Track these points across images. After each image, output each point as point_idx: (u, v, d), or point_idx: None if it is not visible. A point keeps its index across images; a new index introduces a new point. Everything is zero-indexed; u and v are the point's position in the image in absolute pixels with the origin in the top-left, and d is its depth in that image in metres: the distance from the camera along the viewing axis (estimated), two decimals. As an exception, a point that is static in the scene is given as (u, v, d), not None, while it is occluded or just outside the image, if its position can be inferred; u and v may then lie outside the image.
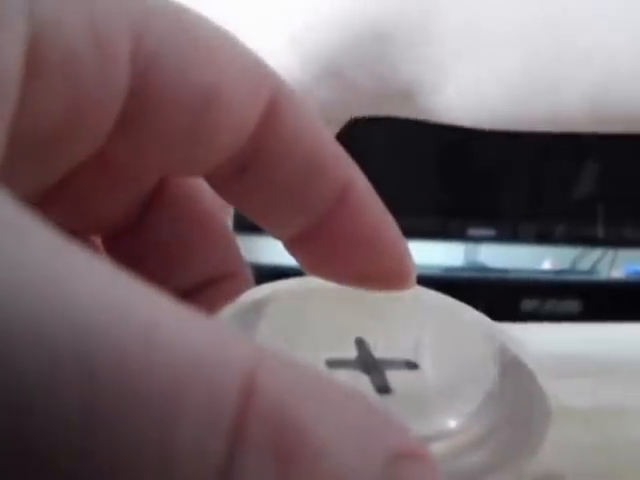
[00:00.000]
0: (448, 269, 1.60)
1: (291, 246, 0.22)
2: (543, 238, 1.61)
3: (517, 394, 0.22)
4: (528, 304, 1.56)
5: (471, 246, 1.64)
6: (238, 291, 0.22)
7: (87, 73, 0.18)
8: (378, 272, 0.22)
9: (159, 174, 0.23)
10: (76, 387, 0.11)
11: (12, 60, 0.16)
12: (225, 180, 0.22)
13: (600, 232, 1.57)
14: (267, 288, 0.23)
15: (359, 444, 0.13)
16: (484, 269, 1.64)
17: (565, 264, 1.68)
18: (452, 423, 0.21)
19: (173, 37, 0.19)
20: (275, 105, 0.21)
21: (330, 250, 0.22)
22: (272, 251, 1.78)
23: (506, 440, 0.22)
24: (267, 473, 0.12)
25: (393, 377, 0.22)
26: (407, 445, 0.14)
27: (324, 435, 0.13)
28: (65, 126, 0.18)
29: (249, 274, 0.24)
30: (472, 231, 1.60)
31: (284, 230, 0.22)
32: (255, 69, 0.21)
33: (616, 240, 1.52)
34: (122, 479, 0.11)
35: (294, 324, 0.23)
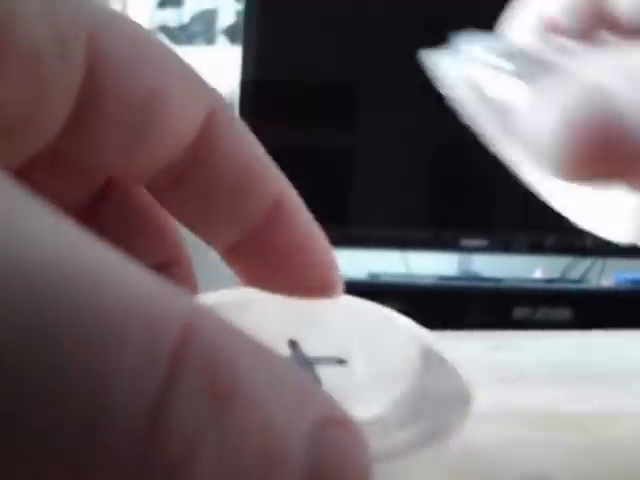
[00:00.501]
0: (442, 278, 1.61)
1: (227, 256, 0.23)
2: (534, 248, 1.62)
3: (438, 384, 0.24)
4: (520, 312, 1.56)
5: (464, 256, 1.65)
6: (180, 278, 0.23)
7: (45, 69, 0.18)
8: (307, 281, 0.23)
9: (104, 174, 0.23)
10: (27, 309, 0.11)
11: None
12: (164, 189, 0.22)
13: (589, 242, 1.58)
14: (206, 299, 0.24)
15: (290, 403, 0.13)
16: (477, 278, 1.65)
17: (556, 273, 1.69)
18: (375, 410, 0.23)
19: (124, 44, 0.20)
20: (213, 119, 0.22)
21: (263, 261, 0.23)
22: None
23: (428, 424, 0.23)
24: (200, 414, 0.12)
25: (323, 372, 0.23)
26: (336, 412, 0.14)
27: (256, 387, 0.13)
28: (21, 119, 0.18)
29: (190, 263, 0.24)
30: (465, 241, 1.60)
31: (220, 240, 0.23)
32: (196, 84, 0.22)
33: (605, 249, 1.53)
34: (60, 404, 0.11)
35: None
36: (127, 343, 0.12)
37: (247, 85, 1.62)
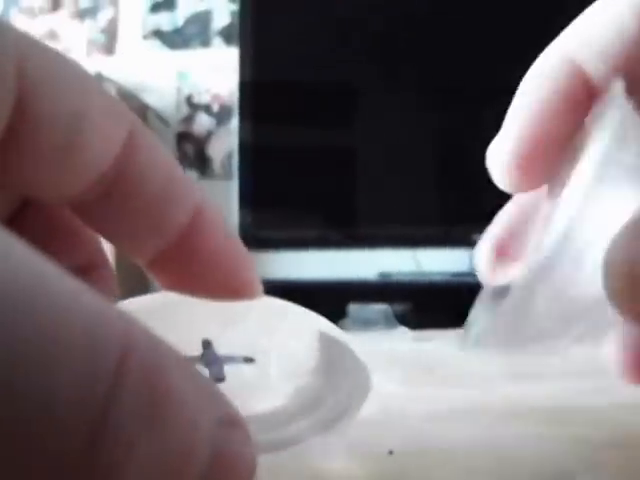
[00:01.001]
0: (455, 274, 1.60)
1: (150, 266, 0.25)
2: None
3: (339, 371, 0.27)
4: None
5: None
6: (101, 283, 0.25)
7: None
8: (226, 286, 0.25)
9: (28, 193, 0.24)
10: None
11: None
12: (87, 207, 0.24)
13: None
14: (132, 304, 0.26)
15: (204, 404, 0.15)
16: (490, 273, 1.64)
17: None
18: (281, 401, 0.26)
19: (50, 69, 0.21)
20: (133, 138, 0.23)
21: (185, 268, 0.25)
22: (280, 266, 1.78)
23: (330, 408, 0.26)
24: (136, 423, 0.14)
25: (231, 370, 0.26)
26: (232, 413, 0.16)
27: (186, 394, 0.15)
28: None
29: (111, 267, 0.26)
30: (476, 237, 1.59)
31: (143, 252, 0.24)
32: (116, 105, 0.23)
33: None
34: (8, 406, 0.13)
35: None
36: (72, 361, 0.13)
37: (247, 86, 1.61)
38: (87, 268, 0.25)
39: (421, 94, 1.62)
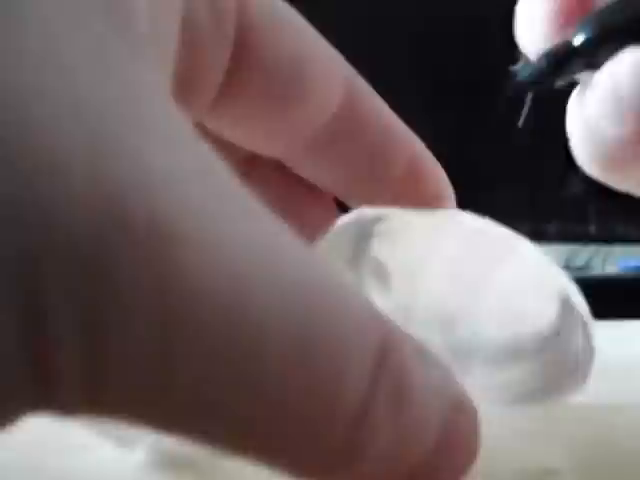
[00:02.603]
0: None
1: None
2: (537, 236, 1.61)
3: (571, 333, 0.25)
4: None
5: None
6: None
7: (202, 37, 0.19)
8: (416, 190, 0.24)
9: (250, 147, 0.23)
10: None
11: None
12: (304, 156, 0.23)
13: (592, 229, 1.58)
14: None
15: (438, 389, 0.16)
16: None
17: (560, 261, 1.68)
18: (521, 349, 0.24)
19: (266, 13, 0.20)
20: (352, 85, 0.22)
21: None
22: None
23: (556, 375, 0.24)
24: (385, 421, 0.15)
25: None
26: (463, 399, 0.17)
27: (424, 378, 0.16)
28: (181, 83, 0.18)
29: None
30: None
31: (356, 199, 0.24)
32: (335, 55, 0.22)
33: (608, 237, 1.53)
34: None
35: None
36: (352, 353, 0.14)
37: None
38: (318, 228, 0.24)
39: (425, 90, 1.62)
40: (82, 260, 0.12)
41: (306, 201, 0.24)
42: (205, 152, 0.14)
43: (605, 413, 0.30)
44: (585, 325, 0.25)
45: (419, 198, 0.24)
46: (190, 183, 0.13)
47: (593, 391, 0.29)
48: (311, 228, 0.24)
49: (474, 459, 0.17)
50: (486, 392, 0.22)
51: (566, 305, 0.25)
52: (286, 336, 0.13)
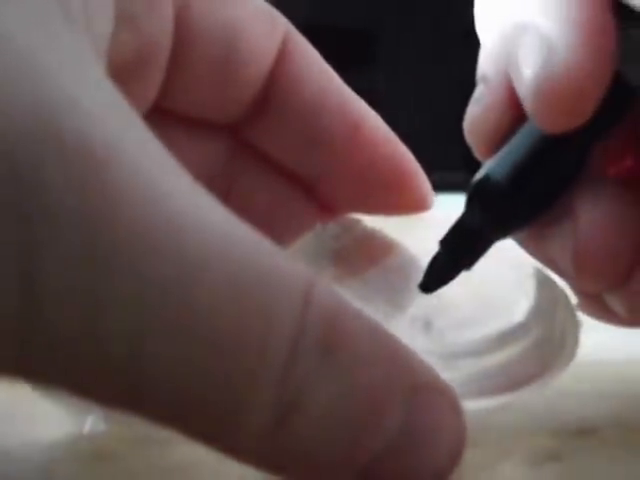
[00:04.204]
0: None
1: (320, 187, 0.24)
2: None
3: (553, 310, 0.24)
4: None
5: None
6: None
7: (142, 17, 0.20)
8: (401, 198, 0.24)
9: (195, 114, 0.23)
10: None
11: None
12: (250, 122, 0.23)
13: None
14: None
15: (388, 366, 0.15)
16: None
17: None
18: (507, 331, 0.23)
19: None
20: (287, 45, 0.22)
21: (353, 186, 0.24)
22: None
23: (545, 352, 0.23)
24: (314, 365, 0.15)
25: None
26: (428, 378, 0.16)
27: (361, 347, 0.15)
28: (134, 63, 0.20)
29: None
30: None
31: (308, 169, 0.24)
32: (270, 11, 0.22)
33: None
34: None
35: None
36: (280, 289, 0.15)
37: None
38: None
39: (441, 40, 1.60)
40: (13, 167, 0.12)
41: (289, 209, 0.25)
42: (132, 110, 0.15)
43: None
44: (566, 298, 0.25)
45: (370, 166, 0.24)
46: (123, 123, 0.14)
47: (630, 348, 0.29)
48: (292, 236, 0.24)
49: (454, 445, 0.16)
50: (469, 383, 0.22)
51: (544, 282, 0.25)
52: (220, 273, 0.14)
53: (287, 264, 0.15)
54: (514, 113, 0.23)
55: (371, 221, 0.25)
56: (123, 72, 0.18)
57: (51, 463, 0.23)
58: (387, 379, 0.15)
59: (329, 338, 0.15)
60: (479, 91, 0.24)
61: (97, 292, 0.13)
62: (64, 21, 0.15)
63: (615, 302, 0.23)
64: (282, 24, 0.23)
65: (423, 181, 0.25)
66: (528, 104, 0.21)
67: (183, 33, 0.21)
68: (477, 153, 0.24)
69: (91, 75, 0.15)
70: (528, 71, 0.20)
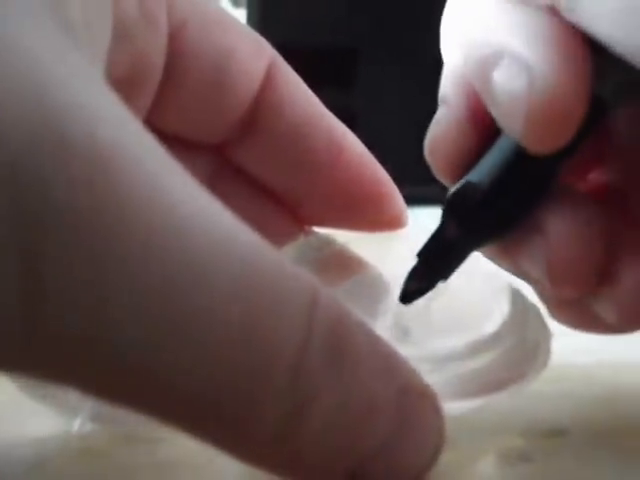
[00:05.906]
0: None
1: (299, 205, 0.24)
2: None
3: (525, 320, 0.25)
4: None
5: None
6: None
7: (139, 36, 0.20)
8: (375, 218, 0.25)
9: (183, 134, 0.24)
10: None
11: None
12: (235, 143, 0.24)
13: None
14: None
15: (383, 369, 0.16)
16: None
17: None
18: (481, 340, 0.24)
19: (194, 9, 0.22)
20: (272, 72, 0.23)
21: (332, 205, 0.25)
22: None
23: (518, 360, 0.24)
24: (322, 368, 0.15)
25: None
26: (417, 383, 0.17)
27: (361, 351, 0.16)
28: (128, 79, 0.20)
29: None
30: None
31: (291, 190, 0.24)
32: (256, 36, 0.23)
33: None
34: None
35: None
36: (288, 293, 0.15)
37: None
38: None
39: (424, 61, 1.59)
40: (16, 167, 0.12)
41: (269, 218, 0.25)
42: (134, 116, 0.15)
43: (612, 372, 0.30)
44: (537, 310, 0.26)
45: (351, 186, 0.24)
46: (128, 127, 0.14)
47: (600, 351, 0.30)
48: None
49: (435, 445, 0.17)
50: (447, 387, 0.23)
51: (516, 295, 0.26)
52: (226, 274, 0.14)
53: (292, 267, 0.15)
54: (474, 133, 0.24)
55: (350, 235, 0.26)
56: (115, 88, 0.19)
57: (40, 460, 0.23)
58: (384, 381, 0.16)
59: (334, 341, 0.15)
60: (440, 112, 0.24)
61: (102, 291, 0.13)
62: (65, 30, 0.15)
63: (604, 307, 0.24)
64: (268, 49, 0.24)
65: (398, 201, 0.25)
66: (513, 127, 0.21)
67: (176, 53, 0.22)
68: (437, 173, 0.25)
69: (94, 81, 0.15)
70: (511, 96, 0.20)
